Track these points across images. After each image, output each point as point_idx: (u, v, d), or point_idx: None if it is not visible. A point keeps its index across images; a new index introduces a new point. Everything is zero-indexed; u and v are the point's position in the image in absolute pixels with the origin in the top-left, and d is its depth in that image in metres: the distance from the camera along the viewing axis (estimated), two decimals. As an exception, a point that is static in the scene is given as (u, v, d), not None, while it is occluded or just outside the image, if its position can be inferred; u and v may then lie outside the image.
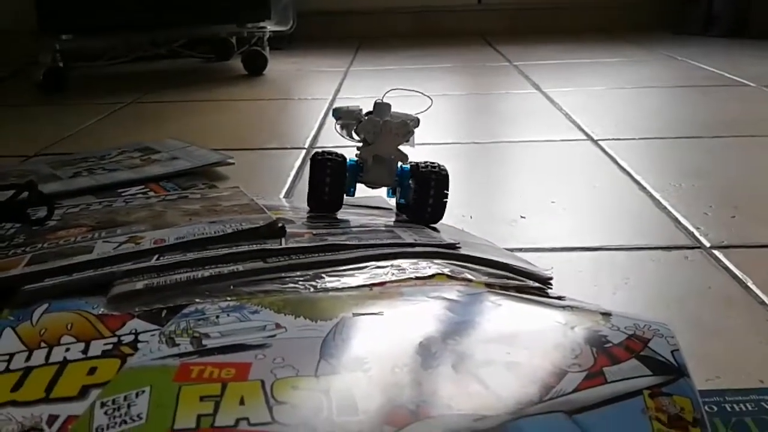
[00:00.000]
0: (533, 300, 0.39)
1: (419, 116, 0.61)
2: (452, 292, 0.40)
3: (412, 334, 0.35)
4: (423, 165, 0.58)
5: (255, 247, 0.46)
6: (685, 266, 0.62)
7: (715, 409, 0.38)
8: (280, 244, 0.46)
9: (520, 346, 0.34)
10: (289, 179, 0.88)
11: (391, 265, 0.43)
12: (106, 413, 0.29)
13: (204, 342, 0.35)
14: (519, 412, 0.30)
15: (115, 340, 0.36)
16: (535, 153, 0.98)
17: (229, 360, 0.33)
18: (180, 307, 0.39)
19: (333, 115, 0.62)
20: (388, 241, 0.46)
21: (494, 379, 0.31)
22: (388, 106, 0.60)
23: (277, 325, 0.36)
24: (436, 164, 0.58)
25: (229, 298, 0.40)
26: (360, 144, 0.61)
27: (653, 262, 0.63)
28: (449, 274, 0.42)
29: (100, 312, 0.39)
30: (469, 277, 0.42)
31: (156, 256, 0.46)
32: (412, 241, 0.47)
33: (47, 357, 0.35)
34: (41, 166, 0.93)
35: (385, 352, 0.33)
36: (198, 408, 0.29)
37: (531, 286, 0.43)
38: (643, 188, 0.81)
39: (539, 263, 0.60)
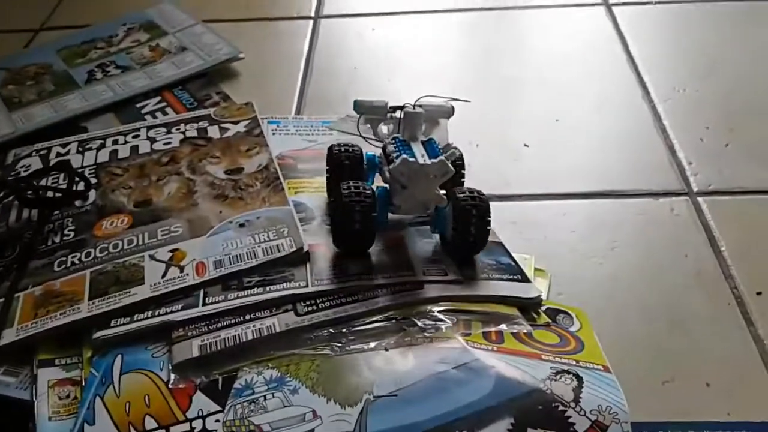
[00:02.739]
0: (519, 368, 0.48)
1: (453, 104, 0.60)
2: (453, 358, 0.49)
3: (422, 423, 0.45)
4: (461, 194, 0.54)
5: (285, 290, 0.54)
6: (669, 223, 0.68)
7: (660, 445, 0.49)
8: (306, 284, 0.54)
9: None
10: (300, 73, 0.90)
11: (403, 318, 0.51)
12: None
13: (259, 439, 0.45)
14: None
15: (188, 427, 0.46)
16: (544, 25, 0.97)
17: (282, 468, 0.43)
18: (231, 378, 0.49)
19: (355, 109, 0.60)
20: (403, 280, 0.54)
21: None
22: (420, 115, 0.56)
23: (314, 414, 0.46)
24: (474, 192, 0.54)
25: (270, 365, 0.49)
26: (382, 141, 0.59)
27: (641, 216, 0.69)
28: (452, 330, 0.51)
29: (167, 380, 0.49)
30: (468, 331, 0.51)
31: (202, 293, 0.54)
32: (422, 278, 0.54)
33: (140, 450, 0.45)
34: (53, 58, 0.95)
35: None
36: None
37: (523, 332, 0.51)
38: (648, 94, 0.84)
39: (536, 216, 0.67)
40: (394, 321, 0.52)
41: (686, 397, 0.53)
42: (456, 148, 0.59)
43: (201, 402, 0.48)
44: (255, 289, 0.54)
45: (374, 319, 0.52)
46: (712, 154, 0.75)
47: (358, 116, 0.61)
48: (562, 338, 0.53)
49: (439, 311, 0.52)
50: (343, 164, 0.60)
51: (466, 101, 0.60)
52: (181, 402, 0.48)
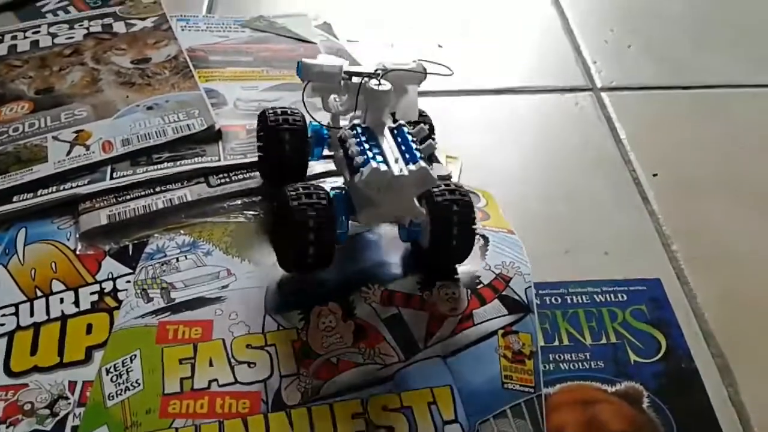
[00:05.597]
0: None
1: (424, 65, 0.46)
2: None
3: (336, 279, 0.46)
4: (437, 190, 0.43)
5: (197, 163, 0.53)
6: (573, 116, 0.71)
7: (559, 301, 0.52)
8: (219, 158, 0.53)
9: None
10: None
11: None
12: (111, 380, 0.41)
13: (172, 295, 0.45)
14: (409, 359, 0.43)
15: (97, 288, 0.46)
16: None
17: (196, 318, 0.43)
18: (142, 244, 0.48)
19: (299, 74, 0.44)
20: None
21: (393, 329, 0.43)
22: (388, 94, 0.43)
23: (228, 272, 0.46)
24: (453, 186, 0.44)
25: (183, 231, 0.49)
26: (337, 118, 0.48)
27: (548, 109, 0.71)
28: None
29: (75, 248, 0.48)
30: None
31: (109, 169, 0.53)
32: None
33: (47, 310, 0.44)
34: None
35: (313, 303, 0.44)
36: (179, 372, 0.41)
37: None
38: (557, -1, 0.86)
39: (450, 110, 0.68)
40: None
41: (586, 263, 0.56)
42: (426, 115, 0.51)
43: (111, 266, 0.47)
44: (165, 164, 0.53)
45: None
46: (615, 54, 0.78)
47: (303, 83, 0.45)
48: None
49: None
50: (280, 137, 0.48)
51: (447, 73, 0.45)
52: (90, 266, 0.47)
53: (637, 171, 0.64)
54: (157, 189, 0.52)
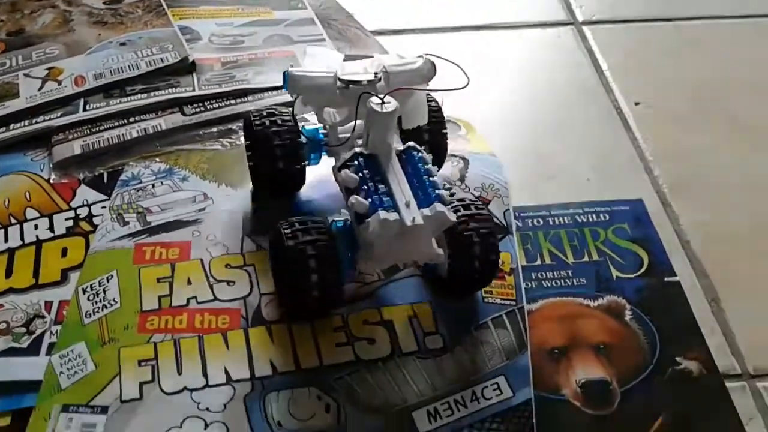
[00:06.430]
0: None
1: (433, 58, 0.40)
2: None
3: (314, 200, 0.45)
4: (454, 212, 0.37)
5: (171, 94, 0.52)
6: (555, 49, 0.70)
7: (541, 222, 0.51)
8: (193, 88, 0.53)
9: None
10: None
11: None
12: (88, 299, 0.40)
13: (148, 218, 0.44)
14: (389, 278, 0.42)
15: (72, 214, 0.45)
16: None
17: (173, 239, 0.43)
18: (117, 172, 0.47)
19: (286, 88, 0.39)
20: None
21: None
22: (392, 116, 0.37)
23: (205, 196, 0.46)
24: (471, 206, 0.39)
25: (158, 159, 0.48)
26: (335, 130, 0.41)
27: (530, 44, 0.71)
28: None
29: (48, 177, 0.47)
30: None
31: (82, 102, 0.52)
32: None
33: (22, 236, 0.44)
34: None
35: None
36: (157, 290, 0.41)
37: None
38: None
39: (433, 46, 0.67)
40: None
41: (569, 188, 0.55)
42: (438, 110, 0.44)
43: (86, 193, 0.47)
44: (139, 95, 0.53)
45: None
46: (597, -12, 0.77)
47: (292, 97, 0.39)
48: (449, 139, 0.54)
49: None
50: (269, 145, 0.41)
51: (460, 86, 0.38)
52: (65, 194, 0.46)
53: (619, 101, 0.64)
54: (131, 120, 0.51)
